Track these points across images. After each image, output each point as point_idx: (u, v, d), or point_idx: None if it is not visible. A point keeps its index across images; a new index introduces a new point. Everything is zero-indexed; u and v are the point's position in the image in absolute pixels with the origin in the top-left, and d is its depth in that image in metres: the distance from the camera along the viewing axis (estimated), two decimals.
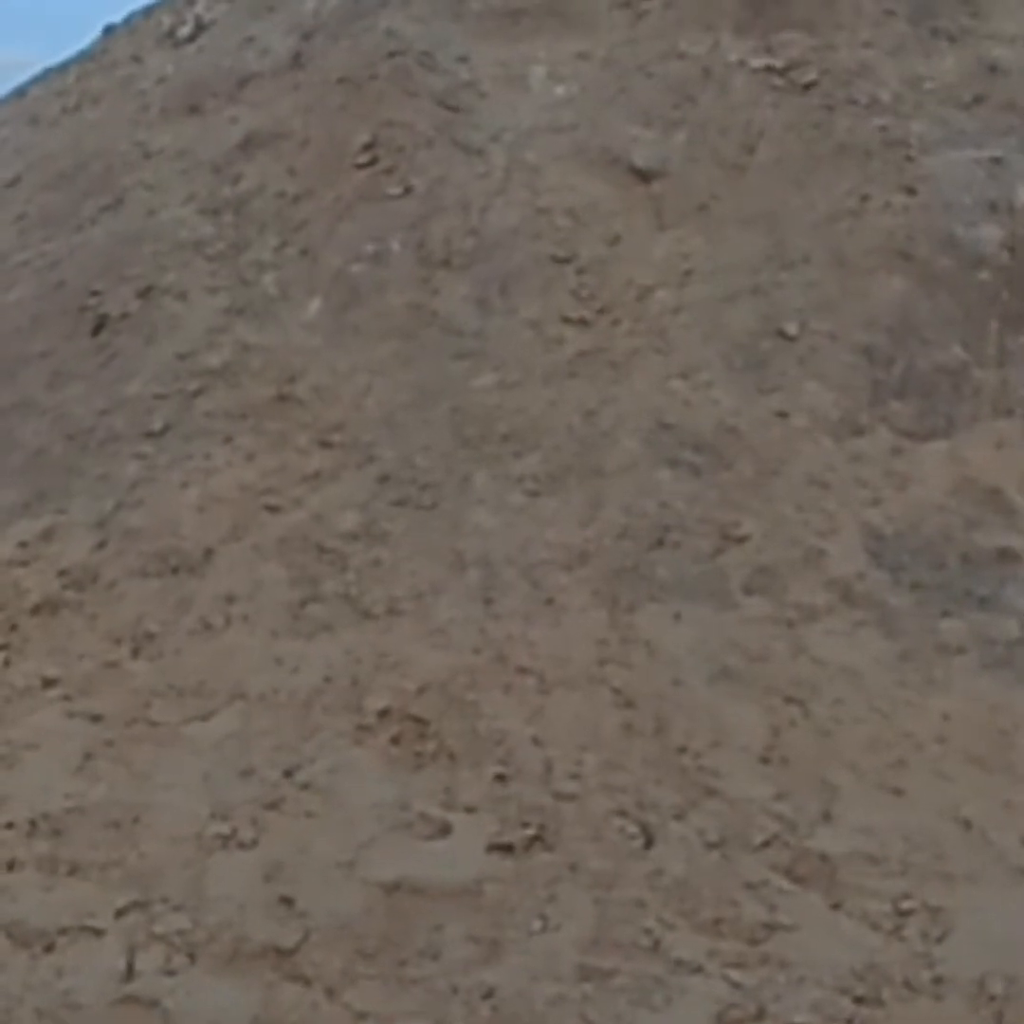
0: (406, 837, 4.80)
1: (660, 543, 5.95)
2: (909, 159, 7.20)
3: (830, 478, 6.23)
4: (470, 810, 4.93)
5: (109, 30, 11.06)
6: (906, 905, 4.73)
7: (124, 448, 6.42)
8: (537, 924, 4.51)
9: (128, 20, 10.94)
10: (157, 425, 6.48)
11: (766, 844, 4.95)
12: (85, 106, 9.53)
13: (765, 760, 5.30)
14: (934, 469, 6.31)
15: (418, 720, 5.22)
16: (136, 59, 9.91)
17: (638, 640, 5.64)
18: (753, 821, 5.02)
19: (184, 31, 9.86)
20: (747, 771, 5.26)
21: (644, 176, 7.38)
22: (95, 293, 7.19)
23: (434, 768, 5.09)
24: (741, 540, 5.99)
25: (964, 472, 6.30)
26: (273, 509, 6.07)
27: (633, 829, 4.92)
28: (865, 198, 7.06)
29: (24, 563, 5.90)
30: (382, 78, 7.79)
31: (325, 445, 6.34)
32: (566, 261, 7.03)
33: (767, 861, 4.86)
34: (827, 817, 5.10)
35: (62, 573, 5.83)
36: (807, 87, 7.57)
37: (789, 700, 5.51)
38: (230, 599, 5.68)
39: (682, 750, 5.27)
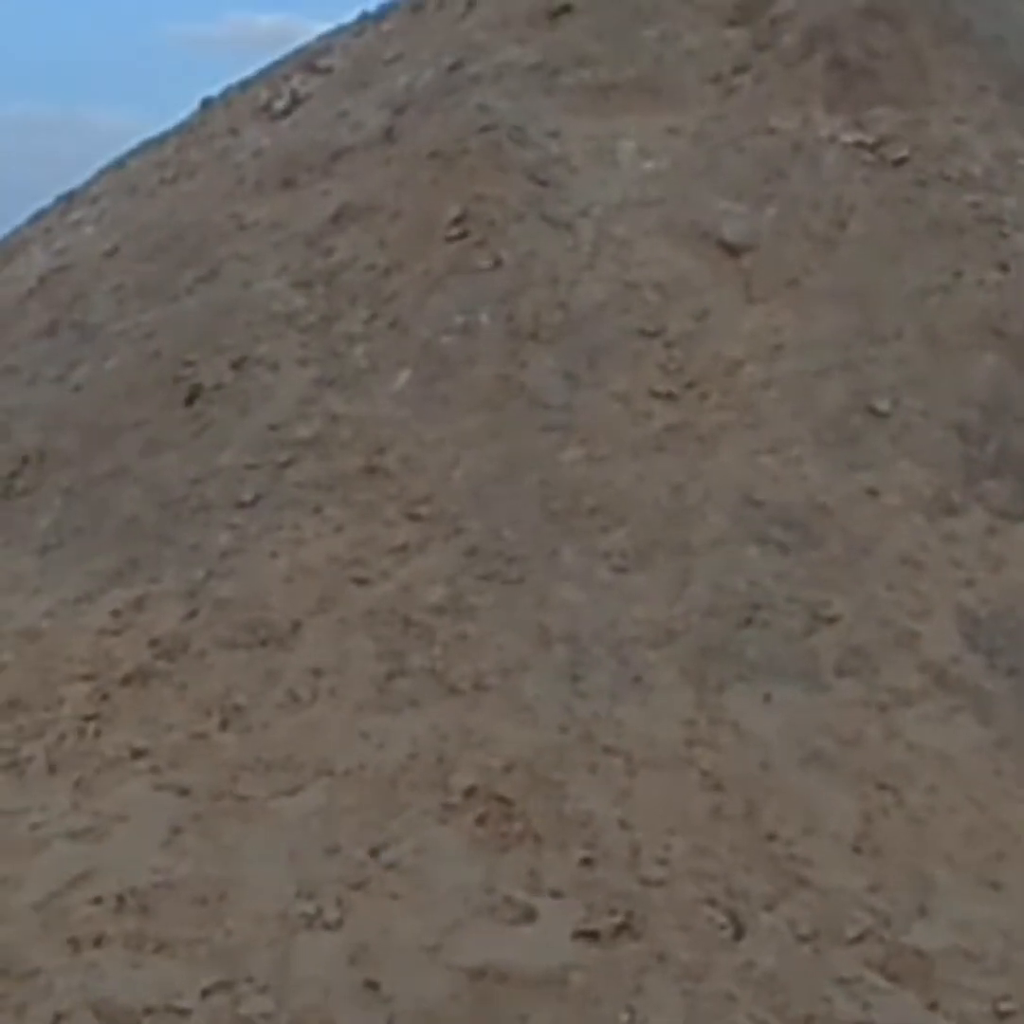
0: (491, 921, 4.75)
1: (749, 622, 5.89)
2: (1002, 235, 7.16)
3: (923, 558, 6.15)
4: (556, 895, 4.87)
5: (207, 103, 11.28)
6: (1005, 1006, 4.62)
7: (216, 517, 6.47)
8: (624, 1016, 4.45)
9: (225, 93, 11.17)
10: (248, 495, 6.53)
11: (859, 938, 4.86)
12: (182, 178, 9.70)
13: (858, 849, 5.21)
14: None
15: (504, 800, 5.17)
16: (233, 132, 10.09)
17: (727, 721, 5.57)
18: (846, 913, 4.93)
19: (280, 105, 10.03)
20: (839, 860, 5.17)
21: (734, 250, 7.38)
22: (189, 363, 7.29)
23: (520, 850, 5.03)
24: (832, 620, 5.92)
25: None
26: (361, 581, 6.08)
27: (722, 919, 4.84)
28: (958, 274, 7.02)
29: (116, 632, 5.95)
30: (473, 152, 7.86)
31: (413, 517, 6.35)
32: (654, 335, 7.04)
33: (860, 956, 4.76)
34: (923, 911, 5.00)
35: (153, 643, 5.87)
36: (899, 163, 7.55)
37: (882, 786, 5.42)
38: (317, 672, 5.69)
39: (772, 837, 5.19)
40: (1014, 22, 8.25)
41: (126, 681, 5.71)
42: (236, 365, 7.19)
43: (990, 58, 8.04)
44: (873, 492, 6.33)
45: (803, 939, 4.79)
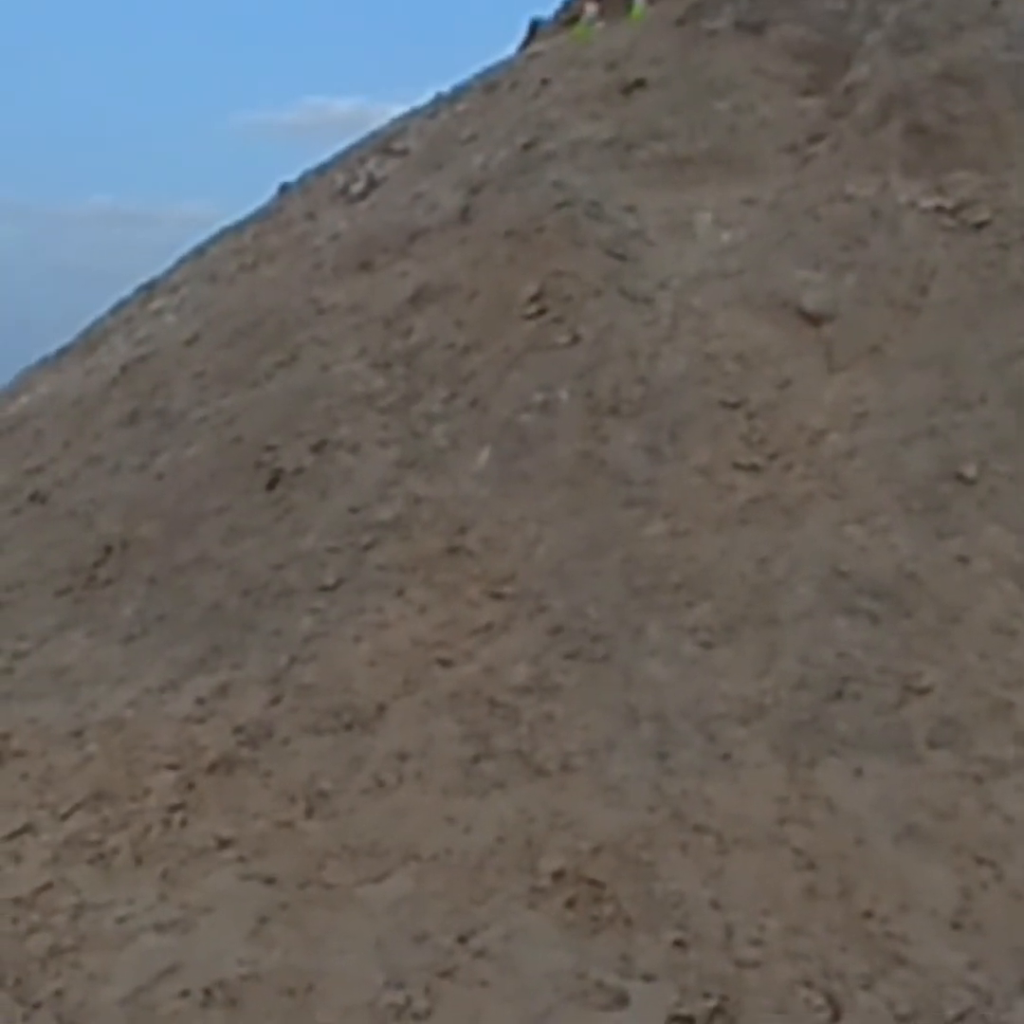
0: (583, 1007, 4.66)
1: (839, 695, 5.78)
2: None
3: (1015, 625, 6.02)
4: (648, 978, 4.78)
5: (284, 188, 11.48)
6: None
7: (298, 602, 6.48)
8: None
9: (302, 179, 11.36)
10: (330, 579, 6.54)
11: (960, 1017, 4.72)
12: (261, 264, 9.85)
13: (956, 926, 5.07)
14: None
15: (593, 882, 5.10)
16: (310, 216, 10.24)
17: (819, 797, 5.46)
18: (946, 992, 4.80)
19: (356, 188, 10.17)
20: (937, 937, 5.03)
21: (814, 319, 7.34)
22: (270, 448, 7.35)
23: (610, 933, 4.95)
24: (924, 691, 5.80)
25: None
26: (445, 663, 6.05)
27: (819, 1000, 4.73)
28: None
29: (201, 720, 5.95)
30: (549, 229, 7.90)
31: (496, 597, 6.32)
32: (736, 406, 6.99)
33: None
34: None
35: (237, 730, 5.86)
36: (979, 226, 7.48)
37: (980, 861, 5.27)
38: (402, 756, 5.65)
39: (868, 915, 5.06)
40: None
41: (211, 769, 5.70)
42: (316, 448, 7.24)
43: None
44: (962, 559, 6.21)
45: (902, 1019, 4.68)
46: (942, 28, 8.72)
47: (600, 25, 10.72)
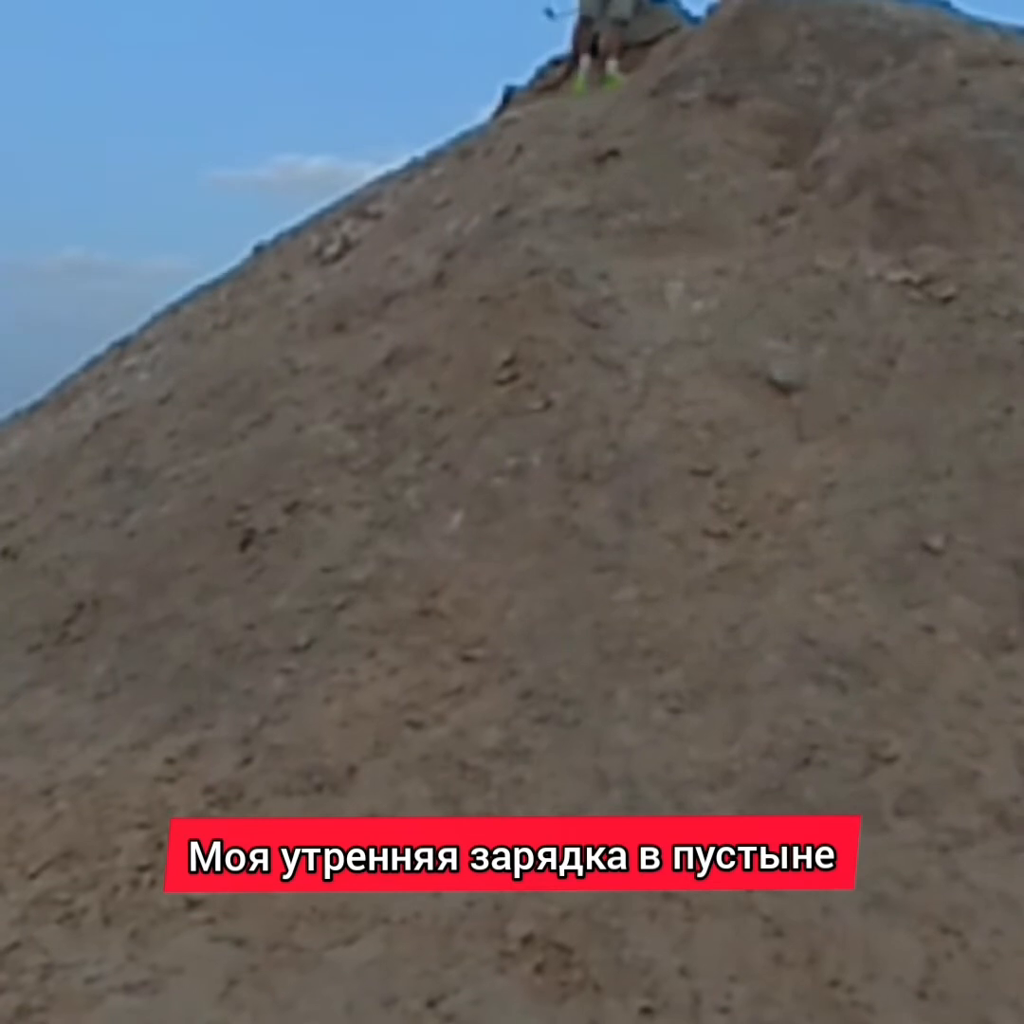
0: None
1: (806, 762, 5.82)
2: None
3: (981, 695, 6.08)
4: None
5: (259, 249, 11.57)
6: None
7: (270, 662, 6.49)
8: None
9: (277, 239, 11.45)
10: (302, 639, 6.56)
11: None
12: (235, 323, 9.91)
13: (922, 995, 5.08)
14: None
15: (562, 947, 5.10)
16: (285, 277, 10.32)
17: None
18: None
19: (331, 250, 10.27)
20: (903, 1006, 5.04)
21: (783, 389, 7.43)
22: (243, 508, 7.37)
23: (579, 999, 4.95)
24: (890, 760, 5.85)
25: None
26: (415, 725, 6.07)
27: None
28: (1009, 410, 7.03)
29: (171, 780, 5.95)
30: (523, 295, 7.98)
31: (467, 659, 6.35)
32: (706, 474, 7.06)
33: None
34: None
35: (207, 790, 5.86)
36: (946, 300, 7.61)
37: (945, 930, 5.29)
38: (373, 818, 5.65)
39: (835, 983, 5.07)
40: None
41: None
42: (289, 509, 7.27)
43: None
44: (929, 629, 6.28)
45: None
46: (911, 105, 8.88)
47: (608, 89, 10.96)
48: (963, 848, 5.57)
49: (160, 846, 5.61)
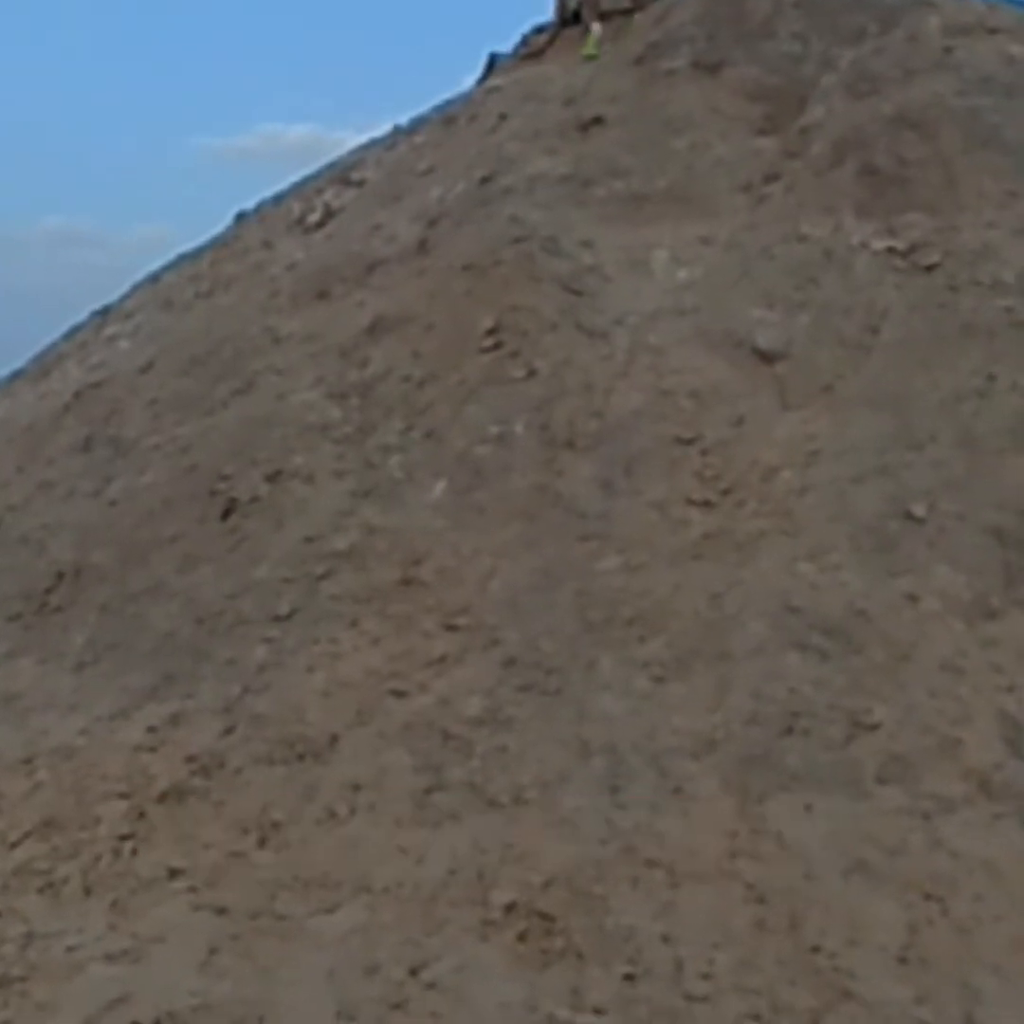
0: None
1: (790, 730, 5.82)
2: None
3: (963, 663, 6.08)
4: (599, 1012, 4.77)
5: (241, 217, 11.49)
6: None
7: (252, 632, 6.47)
8: None
9: (259, 207, 11.37)
10: (284, 609, 6.53)
11: None
12: (217, 291, 9.84)
13: (903, 960, 5.09)
14: None
15: (544, 915, 5.09)
16: (267, 245, 10.25)
17: (769, 832, 5.48)
18: None
19: (313, 218, 10.20)
20: (885, 972, 5.05)
21: (767, 358, 7.41)
22: (225, 477, 7.34)
23: (561, 967, 4.94)
24: (873, 727, 5.84)
25: None
26: (398, 694, 6.05)
27: None
28: (991, 378, 7.01)
29: (152, 749, 5.93)
30: (506, 263, 7.94)
31: (450, 628, 6.33)
32: (690, 442, 7.04)
33: None
34: (970, 1022, 4.88)
35: (189, 759, 5.84)
36: (930, 268, 7.59)
37: (927, 896, 5.30)
38: (355, 787, 5.64)
39: (817, 949, 5.08)
40: None
41: (162, 799, 5.68)
42: (271, 478, 7.24)
43: (1019, 164, 8.08)
44: (912, 598, 6.27)
45: None
46: (895, 73, 8.84)
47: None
48: (945, 815, 5.58)
49: (141, 815, 5.59)
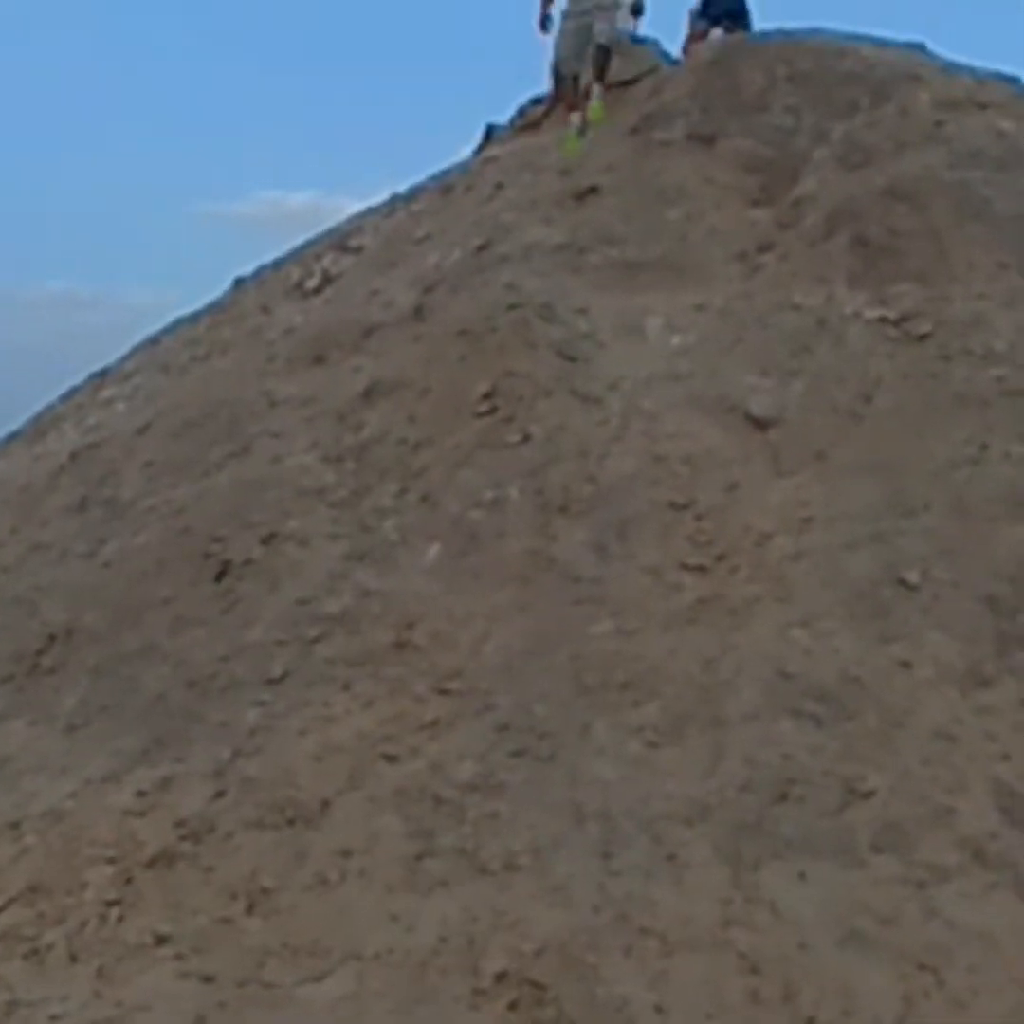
0: None
1: (784, 797, 5.79)
2: None
3: (957, 731, 6.06)
4: None
5: (240, 282, 11.58)
6: None
7: (244, 695, 6.44)
8: None
9: (258, 272, 11.46)
10: (277, 671, 6.51)
11: None
12: (214, 355, 9.89)
13: None
14: None
15: (536, 984, 5.04)
16: (265, 310, 10.31)
17: (763, 900, 5.44)
18: None
19: (311, 284, 10.28)
20: None
21: (761, 424, 7.45)
22: (219, 539, 7.34)
23: None
24: (867, 795, 5.82)
25: None
26: (390, 758, 6.02)
27: None
28: (984, 447, 7.05)
29: (141, 813, 5.88)
30: (502, 329, 7.99)
31: (443, 692, 6.31)
32: (684, 507, 7.06)
33: None
34: None
35: (179, 823, 5.80)
36: (922, 338, 7.65)
37: (922, 967, 5.25)
38: (346, 853, 5.60)
39: (811, 1020, 5.03)
40: None
41: (150, 864, 5.63)
42: (266, 541, 7.24)
43: (1009, 236, 8.17)
44: (906, 664, 6.27)
45: None
46: (887, 146, 8.96)
47: (590, 134, 10.72)
48: (940, 884, 5.54)
49: (129, 881, 5.54)
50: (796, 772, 5.87)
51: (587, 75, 11.19)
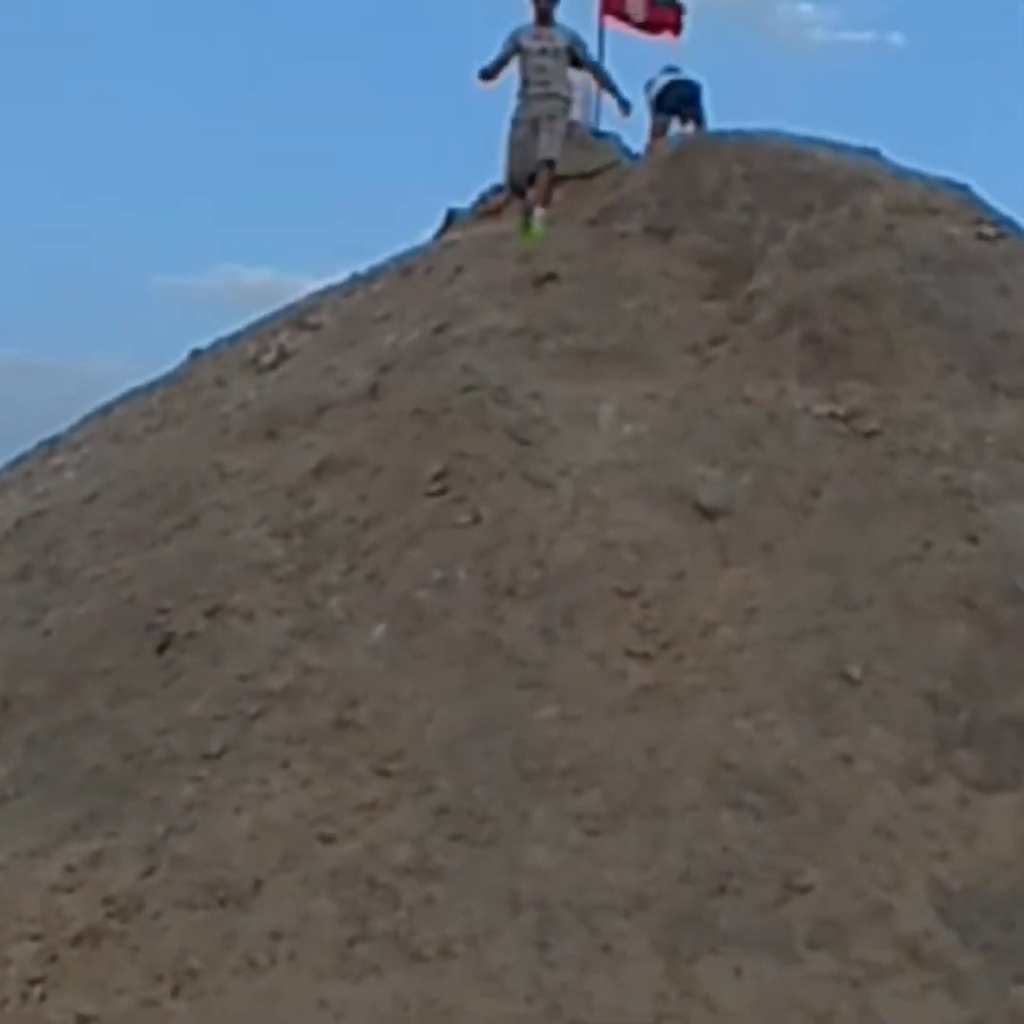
0: None
1: (722, 890, 5.77)
2: (971, 508, 7.28)
3: (896, 828, 6.07)
4: None
5: (196, 354, 11.59)
6: None
7: (180, 770, 6.36)
8: None
9: (214, 346, 11.47)
10: (215, 747, 6.44)
11: None
12: (167, 426, 9.87)
13: None
14: (1002, 823, 6.12)
15: None
16: (220, 383, 10.32)
17: (698, 994, 5.40)
18: None
19: (268, 359, 10.29)
20: None
21: (709, 514, 7.49)
22: (163, 611, 7.28)
23: None
24: (805, 890, 5.80)
25: None
26: (326, 839, 5.95)
27: None
28: (928, 545, 7.11)
29: (69, 889, 5.77)
30: (456, 411, 8.02)
31: (382, 773, 6.26)
32: (631, 594, 7.07)
33: None
34: None
35: (107, 901, 5.69)
36: (870, 435, 7.75)
37: None
38: (276, 935, 5.52)
39: None
40: (978, 307, 8.57)
41: (76, 941, 5.51)
42: (210, 614, 7.19)
43: (957, 339, 8.32)
44: (846, 759, 6.28)
45: None
46: (840, 247, 9.12)
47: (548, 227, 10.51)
48: (875, 983, 5.52)
49: (53, 958, 5.43)
50: (735, 865, 5.85)
51: (532, 193, 10.89)
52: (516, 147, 11.03)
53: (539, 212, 10.71)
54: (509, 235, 10.74)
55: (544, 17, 10.97)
